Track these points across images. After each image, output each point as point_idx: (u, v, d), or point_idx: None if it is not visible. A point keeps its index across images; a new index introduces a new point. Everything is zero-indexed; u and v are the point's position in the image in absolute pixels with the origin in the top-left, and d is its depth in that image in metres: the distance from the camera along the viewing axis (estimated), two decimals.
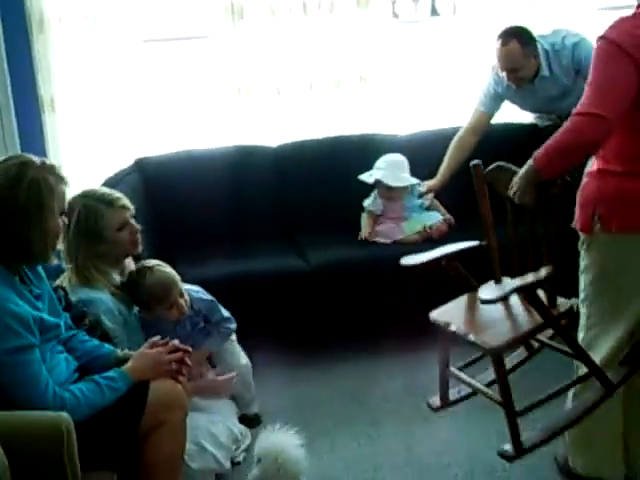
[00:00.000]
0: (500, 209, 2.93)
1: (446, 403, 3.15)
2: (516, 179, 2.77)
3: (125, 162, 4.54)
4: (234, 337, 3.51)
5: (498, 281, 3.02)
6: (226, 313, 3.39)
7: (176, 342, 2.80)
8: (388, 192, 4.38)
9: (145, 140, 4.81)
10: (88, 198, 3.17)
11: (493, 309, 2.84)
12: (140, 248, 3.27)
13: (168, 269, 3.23)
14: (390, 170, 4.37)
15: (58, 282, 3.07)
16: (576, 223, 2.80)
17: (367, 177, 4.39)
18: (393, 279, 3.82)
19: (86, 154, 4.73)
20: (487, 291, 2.74)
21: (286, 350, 4.13)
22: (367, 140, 4.70)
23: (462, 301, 3.00)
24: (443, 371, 3.07)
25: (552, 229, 2.78)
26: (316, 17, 4.68)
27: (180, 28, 4.77)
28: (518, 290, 2.70)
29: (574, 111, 2.61)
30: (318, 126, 4.85)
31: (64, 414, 2.31)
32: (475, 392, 2.97)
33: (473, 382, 2.97)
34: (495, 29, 4.30)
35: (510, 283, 2.75)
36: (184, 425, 2.70)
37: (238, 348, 3.52)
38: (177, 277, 3.22)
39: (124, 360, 2.71)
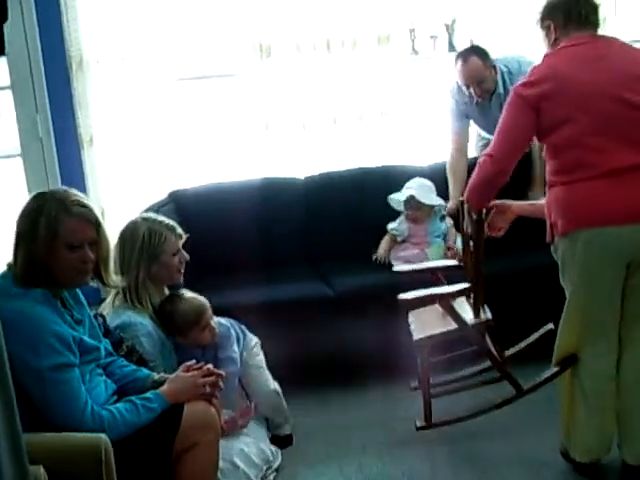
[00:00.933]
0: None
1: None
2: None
3: (160, 195, 4.64)
4: (263, 364, 3.59)
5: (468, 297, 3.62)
6: (233, 354, 3.43)
7: (210, 366, 2.88)
8: (416, 212, 4.45)
9: (179, 174, 4.90)
10: (152, 222, 3.33)
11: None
12: (181, 278, 3.41)
13: (197, 295, 3.38)
14: (421, 189, 4.45)
15: (100, 309, 3.18)
16: None
17: (399, 196, 4.47)
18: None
19: (123, 187, 4.83)
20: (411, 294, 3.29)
21: (314, 375, 4.17)
22: (390, 171, 4.74)
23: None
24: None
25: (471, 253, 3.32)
26: (339, 54, 4.78)
27: (210, 67, 4.86)
28: (433, 297, 3.34)
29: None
30: (342, 158, 4.92)
31: (103, 435, 2.38)
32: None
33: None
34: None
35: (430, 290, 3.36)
36: (217, 446, 2.77)
37: (266, 374, 3.58)
38: (206, 301, 3.37)
39: (160, 383, 2.78)
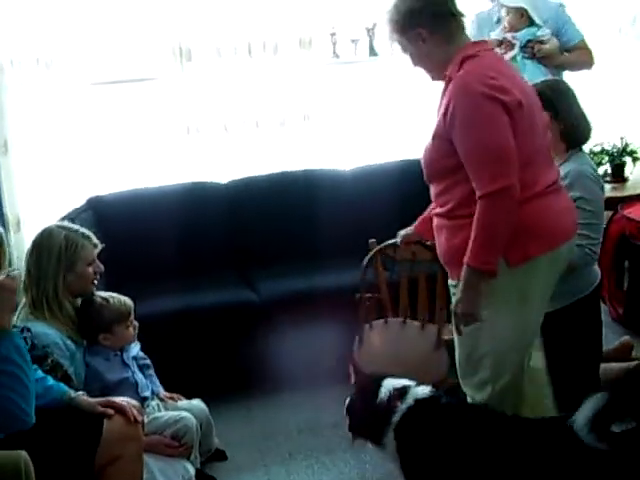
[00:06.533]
0: None
1: None
2: (462, 299, 2.71)
3: (78, 201, 4.55)
4: None
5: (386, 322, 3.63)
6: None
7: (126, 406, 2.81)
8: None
9: (97, 180, 4.79)
10: (69, 230, 3.25)
11: None
12: (94, 289, 3.35)
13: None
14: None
15: (14, 321, 3.07)
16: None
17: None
18: (340, 309, 3.91)
19: (40, 195, 4.72)
20: None
21: (239, 384, 4.13)
22: (312, 175, 4.77)
23: None
24: None
25: None
26: (261, 58, 4.76)
27: (130, 70, 4.76)
28: None
29: None
30: (264, 163, 4.90)
31: (23, 452, 2.33)
32: None
33: None
34: None
35: None
36: (140, 458, 2.75)
37: None
38: None
39: (78, 402, 2.73)
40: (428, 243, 3.27)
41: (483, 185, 2.60)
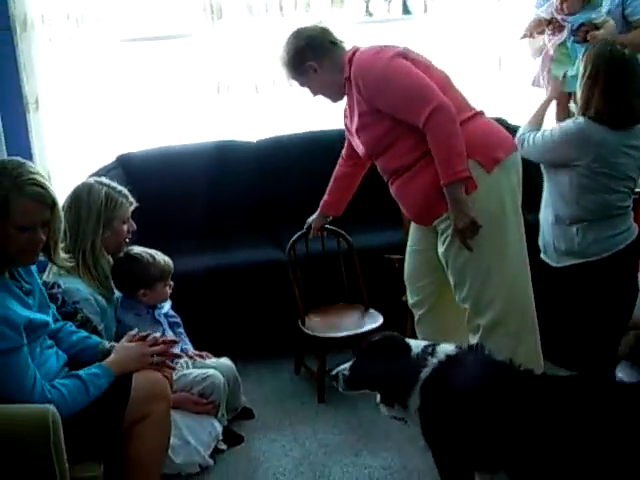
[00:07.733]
0: None
1: None
2: (458, 214, 3.01)
3: (108, 158, 4.56)
4: None
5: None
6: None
7: (157, 335, 2.87)
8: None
9: (127, 137, 4.81)
10: (108, 187, 3.24)
11: None
12: (125, 247, 3.36)
13: None
14: None
15: (45, 277, 3.07)
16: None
17: None
18: (368, 268, 4.00)
19: (70, 151, 4.74)
20: None
21: (267, 343, 4.17)
22: (343, 135, 4.71)
23: None
24: None
25: None
26: (292, 16, 4.71)
27: (160, 28, 4.75)
28: None
29: None
30: (295, 121, 4.87)
31: (51, 406, 2.34)
32: None
33: None
34: (464, 28, 4.38)
35: None
36: (168, 416, 2.75)
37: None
38: None
39: (111, 352, 2.74)
40: (331, 227, 3.86)
41: (421, 114, 2.94)
